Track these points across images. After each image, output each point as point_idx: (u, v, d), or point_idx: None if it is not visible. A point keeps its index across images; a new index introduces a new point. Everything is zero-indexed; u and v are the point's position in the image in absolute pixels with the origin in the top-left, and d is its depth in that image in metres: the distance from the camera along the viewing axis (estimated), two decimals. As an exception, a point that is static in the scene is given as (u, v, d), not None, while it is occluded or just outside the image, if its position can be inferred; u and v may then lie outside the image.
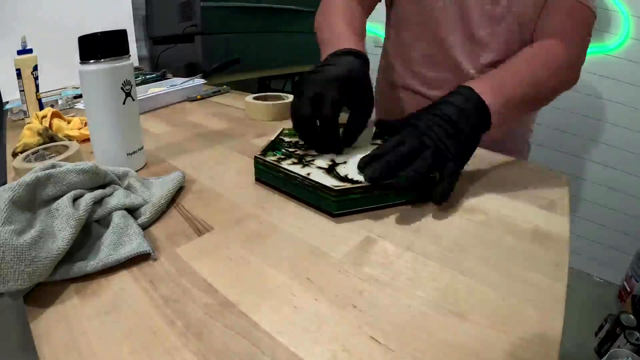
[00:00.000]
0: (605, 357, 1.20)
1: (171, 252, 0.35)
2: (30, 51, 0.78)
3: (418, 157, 0.40)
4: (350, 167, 0.47)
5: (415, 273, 0.33)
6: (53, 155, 0.54)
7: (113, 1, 1.24)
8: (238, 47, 1.53)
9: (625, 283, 1.58)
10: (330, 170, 0.45)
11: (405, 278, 0.32)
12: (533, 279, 0.32)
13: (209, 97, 0.96)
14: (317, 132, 0.48)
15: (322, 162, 0.48)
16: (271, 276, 0.32)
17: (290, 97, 0.76)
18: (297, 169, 0.45)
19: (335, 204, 0.40)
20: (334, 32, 0.60)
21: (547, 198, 0.46)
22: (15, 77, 0.76)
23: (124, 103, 0.47)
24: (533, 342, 0.26)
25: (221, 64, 1.11)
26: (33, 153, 0.54)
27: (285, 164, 0.46)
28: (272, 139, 0.53)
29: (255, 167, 0.48)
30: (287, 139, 0.56)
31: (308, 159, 0.49)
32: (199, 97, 0.94)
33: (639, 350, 1.22)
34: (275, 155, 0.50)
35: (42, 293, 0.31)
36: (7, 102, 0.90)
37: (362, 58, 0.51)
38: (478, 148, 0.49)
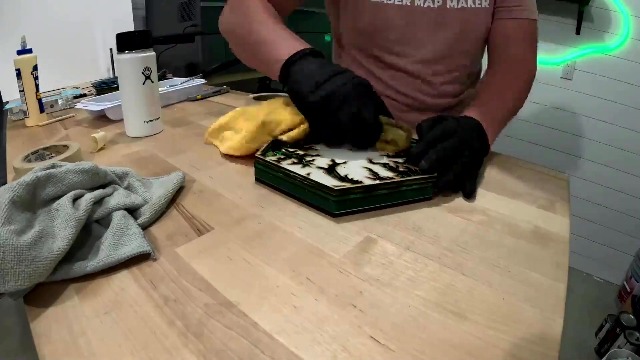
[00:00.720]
0: (605, 357, 1.20)
1: (171, 252, 0.35)
2: (30, 51, 0.78)
3: (460, 153, 0.45)
4: (350, 167, 0.47)
5: (415, 273, 0.33)
6: (53, 155, 0.54)
7: (113, 1, 1.24)
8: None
9: (625, 283, 1.59)
10: (331, 170, 0.46)
11: (405, 278, 0.32)
12: (533, 279, 0.32)
13: (209, 97, 0.96)
14: (359, 134, 0.50)
15: (322, 162, 0.48)
16: (271, 276, 0.32)
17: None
18: (297, 169, 0.45)
19: (335, 204, 0.40)
20: (270, 31, 0.56)
21: (547, 198, 0.46)
22: (15, 77, 0.76)
23: (144, 83, 0.64)
24: (533, 342, 0.26)
25: (221, 64, 1.11)
26: (33, 153, 0.54)
27: (285, 164, 0.46)
28: (272, 139, 0.53)
29: (256, 167, 0.48)
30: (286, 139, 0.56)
31: (308, 159, 0.49)
32: (199, 97, 0.94)
33: (639, 350, 1.22)
34: (276, 155, 0.50)
35: (42, 293, 0.31)
36: (7, 102, 0.90)
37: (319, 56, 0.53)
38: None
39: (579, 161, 1.72)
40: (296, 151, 0.51)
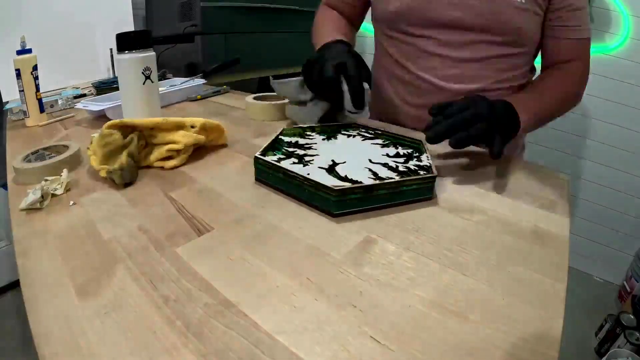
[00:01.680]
0: (605, 357, 1.20)
1: (171, 252, 0.35)
2: (29, 51, 0.78)
3: (472, 123, 0.48)
4: (350, 167, 0.47)
5: (415, 273, 0.33)
6: (53, 155, 0.54)
7: (113, 1, 1.24)
8: (238, 47, 1.53)
9: (625, 283, 1.58)
10: (331, 170, 0.46)
11: (405, 278, 0.32)
12: (533, 279, 0.32)
13: (209, 97, 0.96)
14: (333, 91, 0.59)
15: (322, 161, 0.48)
16: (271, 276, 0.32)
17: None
18: (297, 169, 0.45)
19: (335, 204, 0.40)
20: (323, 36, 0.71)
21: (547, 198, 0.46)
22: (15, 77, 0.76)
23: (143, 83, 0.64)
24: (533, 342, 0.26)
25: (221, 64, 1.11)
26: (33, 153, 0.54)
27: (285, 164, 0.46)
28: (272, 138, 0.53)
29: (256, 167, 0.48)
30: (287, 139, 0.56)
31: (308, 158, 0.49)
32: (198, 97, 0.94)
33: (639, 350, 1.22)
34: (275, 155, 0.50)
35: (42, 293, 0.31)
36: (7, 102, 0.90)
37: (349, 45, 0.64)
38: (477, 149, 0.49)
39: (579, 161, 1.72)
40: (296, 151, 0.51)
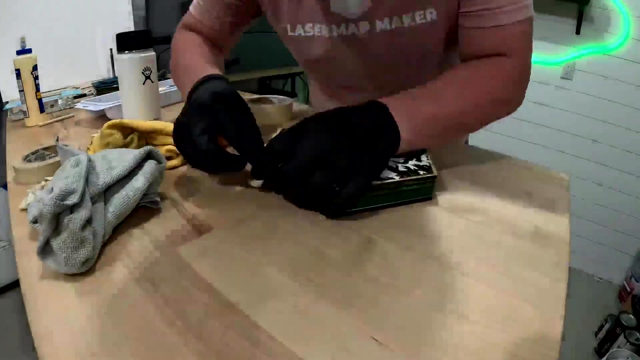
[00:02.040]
0: (605, 357, 1.20)
1: (171, 252, 0.35)
2: (29, 51, 0.78)
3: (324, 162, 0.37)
4: None
5: (415, 273, 0.33)
6: (53, 155, 0.54)
7: (113, 1, 1.24)
8: (238, 47, 1.52)
9: (625, 283, 1.59)
10: None
11: (405, 278, 0.32)
12: (533, 279, 0.32)
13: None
14: (217, 161, 0.41)
15: None
16: (271, 276, 0.32)
17: (284, 99, 0.73)
18: None
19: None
20: (187, 74, 0.53)
21: (547, 198, 0.45)
22: (15, 76, 0.76)
23: (143, 83, 0.64)
24: (533, 342, 0.26)
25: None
26: (33, 153, 0.54)
27: None
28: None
29: None
30: None
31: None
32: None
33: (639, 350, 1.22)
34: None
35: (42, 293, 0.31)
36: (7, 102, 0.90)
37: (223, 79, 0.48)
38: (476, 148, 0.49)
39: (579, 161, 1.72)
40: None
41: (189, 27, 0.66)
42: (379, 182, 0.41)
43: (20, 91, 0.76)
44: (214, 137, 0.41)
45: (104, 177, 0.38)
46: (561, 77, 1.64)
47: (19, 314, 1.41)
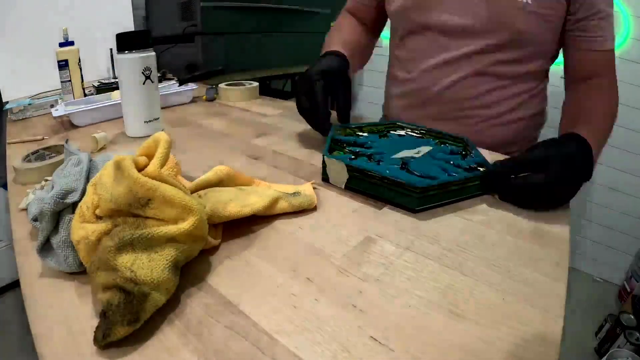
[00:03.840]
0: (605, 357, 1.20)
1: (171, 252, 0.35)
2: (72, 43, 0.82)
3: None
4: (418, 164, 0.49)
5: (415, 273, 0.33)
6: (53, 155, 0.54)
7: (113, 1, 1.24)
8: (238, 47, 1.53)
9: (625, 283, 1.58)
10: (404, 168, 0.48)
11: (405, 278, 0.32)
12: (533, 279, 0.32)
13: (212, 99, 0.95)
14: (318, 116, 0.57)
15: (390, 160, 0.51)
16: (271, 276, 0.32)
17: (251, 83, 0.97)
18: (372, 168, 0.46)
19: (417, 201, 0.41)
20: (326, 46, 0.72)
21: (547, 198, 0.45)
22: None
23: (143, 83, 0.64)
24: (533, 342, 0.26)
25: (202, 72, 1.07)
26: (33, 153, 0.54)
27: (358, 163, 0.47)
28: (329, 139, 0.53)
29: (324, 167, 0.49)
30: (345, 138, 0.57)
31: (377, 157, 0.51)
32: (204, 97, 0.94)
33: (639, 350, 1.22)
34: (340, 154, 0.53)
35: (42, 293, 0.31)
36: (7, 102, 0.90)
37: (339, 56, 0.62)
38: (481, 149, 0.49)
39: (579, 161, 1.72)
40: (360, 150, 0.54)
41: (350, 11, 0.84)
42: (451, 179, 0.43)
43: (65, 82, 0.82)
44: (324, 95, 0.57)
45: None
46: (561, 77, 1.64)
47: (19, 314, 1.41)
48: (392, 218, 0.41)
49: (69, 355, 0.25)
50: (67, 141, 0.54)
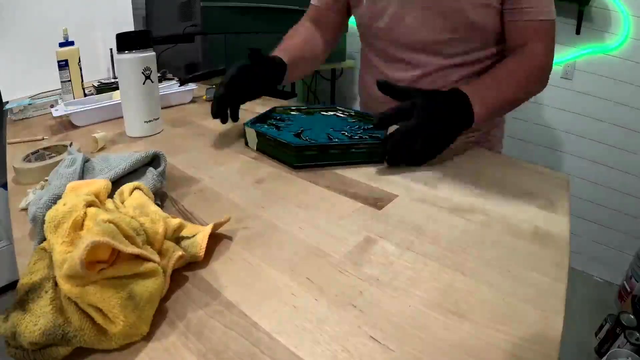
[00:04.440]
0: (605, 357, 1.20)
1: (171, 252, 0.35)
2: (72, 43, 0.83)
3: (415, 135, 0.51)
4: (313, 133, 0.59)
5: (415, 273, 0.33)
6: (53, 155, 0.54)
7: (113, 1, 1.24)
8: (238, 47, 1.52)
9: (625, 283, 1.58)
10: (298, 135, 0.58)
11: (405, 278, 0.32)
12: (533, 279, 0.32)
13: (212, 100, 0.95)
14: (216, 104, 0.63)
15: (294, 128, 0.61)
16: (271, 276, 0.32)
17: None
18: (272, 132, 0.57)
19: (295, 158, 0.51)
20: (276, 50, 0.76)
21: (547, 198, 0.46)
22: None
23: (144, 83, 0.64)
24: (533, 342, 0.26)
25: (203, 72, 1.06)
26: (33, 153, 0.54)
27: (264, 129, 0.59)
28: (264, 113, 0.65)
29: (245, 134, 0.60)
30: (274, 114, 0.68)
31: (282, 125, 0.62)
32: (204, 97, 0.94)
33: (639, 350, 1.22)
34: (263, 126, 0.62)
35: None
36: (7, 102, 0.90)
37: (277, 62, 0.70)
38: (476, 148, 0.49)
39: (579, 161, 1.72)
40: (276, 124, 0.63)
41: (312, 18, 0.85)
42: (329, 143, 0.53)
43: (65, 81, 0.83)
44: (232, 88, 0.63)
45: (101, 178, 0.38)
46: (561, 77, 1.64)
47: (19, 314, 1.41)
48: (392, 218, 0.41)
49: (68, 355, 0.25)
50: (71, 144, 0.54)
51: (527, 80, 0.65)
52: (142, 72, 0.63)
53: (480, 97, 0.57)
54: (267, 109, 0.69)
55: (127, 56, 0.62)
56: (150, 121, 0.67)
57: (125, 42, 0.62)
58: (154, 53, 0.66)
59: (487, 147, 0.74)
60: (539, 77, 0.67)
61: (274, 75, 0.69)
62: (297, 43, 0.79)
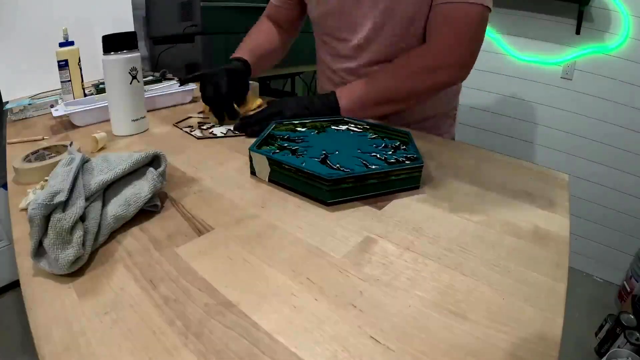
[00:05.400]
0: (605, 357, 1.20)
1: (171, 252, 0.35)
2: (72, 43, 0.83)
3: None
4: (341, 157, 0.49)
5: (415, 273, 0.33)
6: (53, 155, 0.54)
7: (113, 1, 1.24)
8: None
9: (625, 283, 1.59)
10: (323, 161, 0.48)
11: (405, 278, 0.32)
12: (533, 279, 0.32)
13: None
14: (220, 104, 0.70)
15: (315, 153, 0.51)
16: (271, 276, 0.32)
17: (252, 83, 0.97)
18: (292, 160, 0.46)
19: (329, 194, 0.42)
20: (237, 52, 0.82)
21: (547, 198, 0.46)
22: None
23: (130, 83, 0.65)
24: (533, 342, 0.26)
25: (200, 73, 1.05)
26: (33, 153, 0.54)
27: (280, 157, 0.48)
28: (265, 134, 0.55)
29: (251, 160, 0.50)
30: (279, 133, 0.57)
31: (301, 150, 0.51)
32: None
33: (639, 350, 1.22)
34: (270, 148, 0.52)
35: (42, 293, 0.31)
36: (7, 102, 0.90)
37: (242, 62, 0.76)
38: (476, 148, 0.49)
39: (579, 161, 1.72)
40: (289, 145, 0.53)
41: (269, 16, 0.90)
42: (369, 172, 0.43)
43: (65, 82, 0.83)
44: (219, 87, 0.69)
45: (101, 177, 0.38)
46: (561, 77, 1.64)
47: (19, 314, 1.41)
48: (392, 218, 0.41)
49: (69, 355, 0.25)
50: (71, 144, 0.54)
51: (413, 72, 0.63)
52: (129, 72, 0.65)
53: (346, 92, 0.64)
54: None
55: (113, 57, 0.63)
56: (137, 120, 0.68)
57: (111, 43, 0.63)
58: (139, 54, 0.67)
59: (436, 134, 0.73)
60: (429, 67, 0.62)
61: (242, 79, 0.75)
62: (258, 44, 0.86)
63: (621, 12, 1.49)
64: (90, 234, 0.34)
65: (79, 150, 0.47)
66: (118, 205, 0.38)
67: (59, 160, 0.51)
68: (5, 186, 0.52)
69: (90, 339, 0.26)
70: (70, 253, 0.31)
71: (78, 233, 0.32)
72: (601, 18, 1.52)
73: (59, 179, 0.35)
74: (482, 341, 0.26)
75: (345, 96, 0.65)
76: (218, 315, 0.28)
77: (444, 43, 0.61)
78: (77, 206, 0.33)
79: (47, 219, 0.32)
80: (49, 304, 0.29)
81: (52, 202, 0.32)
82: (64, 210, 0.33)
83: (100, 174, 0.39)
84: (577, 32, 1.56)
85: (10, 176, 0.51)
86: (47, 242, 0.31)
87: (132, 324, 0.27)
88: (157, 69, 1.34)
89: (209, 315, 0.28)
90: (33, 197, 0.43)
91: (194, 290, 0.30)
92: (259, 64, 0.81)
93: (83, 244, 0.33)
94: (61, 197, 0.33)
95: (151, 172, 0.42)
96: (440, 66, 0.62)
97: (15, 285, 1.50)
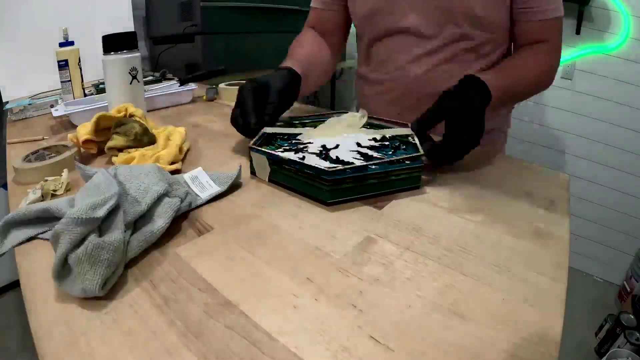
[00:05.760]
0: (605, 357, 1.20)
1: (171, 252, 0.35)
2: (72, 43, 0.83)
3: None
4: (341, 150, 0.49)
5: (415, 273, 0.33)
6: (53, 155, 0.54)
7: (113, 1, 1.24)
8: (238, 47, 1.52)
9: (625, 283, 1.58)
10: (323, 155, 0.48)
11: (405, 278, 0.32)
12: (533, 279, 0.32)
13: (212, 99, 0.95)
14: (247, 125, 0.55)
15: (315, 148, 0.50)
16: (271, 276, 0.32)
17: None
18: (292, 156, 0.46)
19: (329, 194, 0.42)
20: (287, 60, 0.69)
21: (547, 198, 0.46)
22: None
23: (130, 83, 0.66)
24: (533, 342, 0.26)
25: (203, 72, 1.06)
26: (33, 153, 0.54)
27: (280, 154, 0.47)
28: (261, 134, 0.53)
29: (251, 161, 0.49)
30: (278, 132, 0.57)
31: (301, 146, 0.51)
32: (204, 97, 0.94)
33: (639, 350, 1.22)
34: (270, 148, 0.51)
35: (42, 293, 0.31)
36: (7, 102, 0.90)
37: (285, 71, 0.62)
38: (476, 148, 0.50)
39: (579, 161, 1.72)
40: (290, 146, 0.52)
41: (313, 25, 0.83)
42: (368, 172, 0.43)
43: (65, 82, 0.83)
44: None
45: (136, 208, 0.35)
46: (561, 77, 1.64)
47: (19, 314, 1.41)
48: (392, 218, 0.41)
49: (69, 355, 0.25)
50: (71, 144, 0.54)
51: (535, 73, 0.66)
52: (129, 72, 0.65)
53: (498, 88, 0.55)
54: None
55: (113, 57, 0.63)
56: None
57: (112, 43, 0.63)
58: (139, 54, 0.67)
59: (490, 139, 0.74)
60: (548, 75, 0.68)
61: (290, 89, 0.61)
62: (308, 54, 0.74)
63: (621, 12, 1.49)
64: (119, 261, 0.31)
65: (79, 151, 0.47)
66: (142, 238, 0.35)
67: (59, 160, 0.51)
68: (5, 186, 0.52)
69: (90, 339, 0.26)
70: (98, 279, 0.29)
71: (109, 256, 0.29)
72: (601, 18, 1.52)
73: (100, 189, 0.32)
74: (482, 341, 0.26)
75: (494, 90, 0.55)
76: (218, 315, 0.28)
77: (550, 54, 0.68)
78: (116, 238, 0.31)
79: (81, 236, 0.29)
80: (49, 304, 0.29)
81: (92, 217, 0.29)
82: (100, 234, 0.30)
83: (134, 203, 0.36)
84: (577, 32, 1.56)
85: (10, 176, 0.51)
86: (77, 268, 0.29)
87: (132, 324, 0.27)
88: (157, 69, 1.34)
89: (209, 315, 0.28)
90: (33, 196, 0.43)
91: (194, 290, 0.30)
92: (310, 76, 0.69)
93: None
94: (101, 212, 0.29)
95: (168, 203, 0.38)
96: (549, 76, 0.69)
97: (15, 285, 1.50)
